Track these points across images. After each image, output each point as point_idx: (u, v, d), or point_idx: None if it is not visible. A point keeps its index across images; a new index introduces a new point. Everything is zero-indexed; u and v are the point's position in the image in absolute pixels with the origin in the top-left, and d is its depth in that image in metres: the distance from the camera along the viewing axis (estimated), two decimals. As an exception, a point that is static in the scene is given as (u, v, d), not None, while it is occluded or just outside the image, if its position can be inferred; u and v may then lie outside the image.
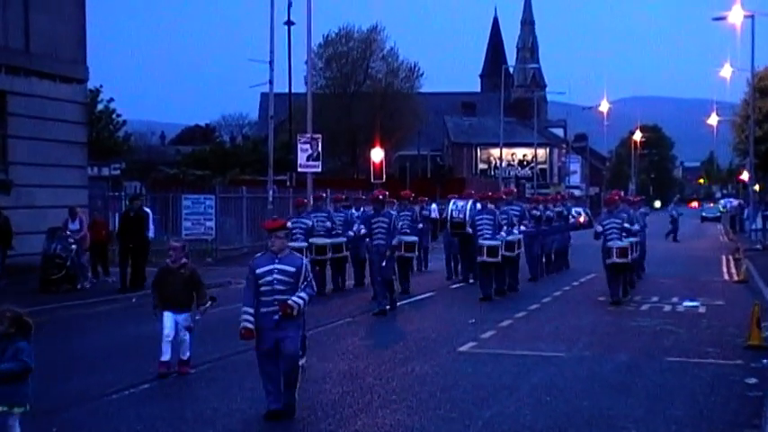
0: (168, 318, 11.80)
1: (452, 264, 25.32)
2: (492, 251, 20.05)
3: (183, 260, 11.96)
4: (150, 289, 12.61)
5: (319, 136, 34.79)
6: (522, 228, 22.23)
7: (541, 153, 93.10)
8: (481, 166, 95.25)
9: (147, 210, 23.76)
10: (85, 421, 9.82)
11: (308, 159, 33.83)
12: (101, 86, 51.80)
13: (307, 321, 16.04)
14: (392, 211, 19.02)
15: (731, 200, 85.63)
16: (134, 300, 17.93)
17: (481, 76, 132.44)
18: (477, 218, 20.72)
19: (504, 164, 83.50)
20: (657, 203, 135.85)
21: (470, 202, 22.91)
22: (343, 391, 11.05)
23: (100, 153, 40.80)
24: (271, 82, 34.44)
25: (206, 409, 10.16)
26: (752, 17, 45.20)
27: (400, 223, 19.10)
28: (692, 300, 20.47)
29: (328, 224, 21.46)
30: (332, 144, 60.52)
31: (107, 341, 15.07)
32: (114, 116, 55.00)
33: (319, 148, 34.06)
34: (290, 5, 40.48)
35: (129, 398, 10.77)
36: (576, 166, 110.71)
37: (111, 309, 19.23)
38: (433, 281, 24.02)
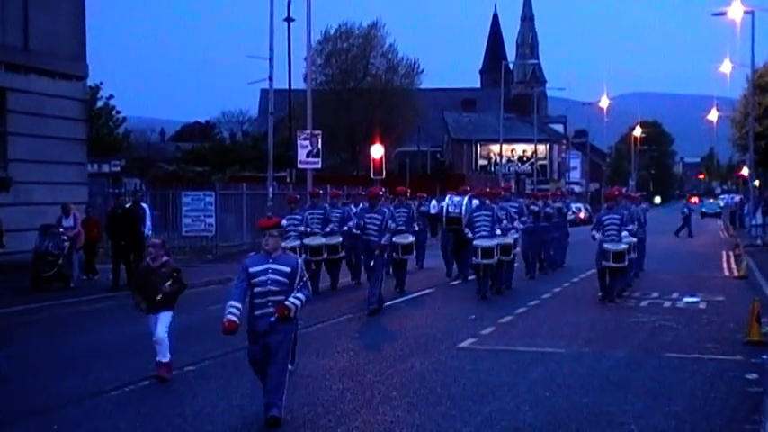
0: (151, 319, 11.44)
1: (451, 260, 25.06)
2: (487, 253, 19.67)
3: (164, 258, 11.53)
4: (131, 290, 12.03)
5: (319, 132, 34.81)
6: (520, 225, 22.03)
7: (541, 149, 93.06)
8: (481, 162, 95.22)
9: (144, 206, 23.61)
10: (85, 419, 9.81)
11: (307, 156, 33.85)
12: (100, 83, 51.90)
13: (305, 318, 16.14)
14: (386, 209, 18.62)
15: (732, 196, 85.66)
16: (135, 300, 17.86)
17: (481, 72, 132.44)
18: (474, 215, 20.34)
19: (504, 160, 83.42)
20: (658, 199, 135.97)
21: (466, 197, 22.85)
22: (344, 388, 11.05)
23: (99, 150, 40.79)
24: (270, 78, 34.45)
25: (205, 406, 10.16)
26: (752, 13, 45.19)
27: (392, 224, 18.47)
28: (691, 295, 20.45)
29: (319, 220, 20.87)
30: (332, 140, 60.55)
31: (102, 339, 14.97)
32: (114, 113, 55.02)
33: (319, 145, 34.08)
34: (289, 2, 40.45)
35: (129, 395, 10.76)
36: (576, 162, 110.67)
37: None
38: (431, 278, 23.97)
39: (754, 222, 45.87)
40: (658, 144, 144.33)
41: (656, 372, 12.21)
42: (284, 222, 20.38)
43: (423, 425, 9.47)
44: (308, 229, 20.69)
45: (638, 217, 22.07)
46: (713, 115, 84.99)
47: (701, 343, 14.41)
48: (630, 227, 19.62)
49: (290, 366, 9.61)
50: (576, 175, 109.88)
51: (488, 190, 22.49)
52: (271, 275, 9.15)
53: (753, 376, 11.88)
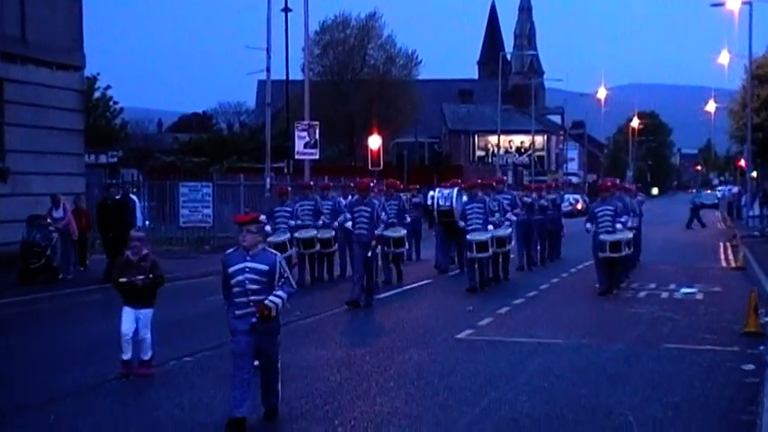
0: (128, 314, 11.10)
1: (443, 253, 24.51)
2: (481, 246, 19.36)
3: (144, 252, 11.22)
4: (112, 284, 11.50)
5: (317, 123, 34.79)
6: (513, 217, 21.73)
7: (539, 140, 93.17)
8: (479, 153, 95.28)
9: (134, 197, 23.47)
10: (82, 411, 9.79)
11: (305, 147, 33.85)
12: (98, 74, 51.79)
13: (303, 310, 16.16)
14: (376, 201, 18.26)
15: (729, 187, 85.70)
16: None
17: (479, 63, 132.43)
18: (467, 207, 19.99)
19: (501, 151, 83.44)
20: (655, 190, 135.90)
21: (456, 189, 22.74)
22: (341, 379, 11.06)
23: (97, 141, 40.77)
24: (268, 69, 34.39)
25: (203, 397, 10.16)
26: (750, 4, 45.23)
27: (384, 215, 18.23)
28: (689, 287, 20.47)
29: (309, 213, 20.68)
30: (329, 131, 60.45)
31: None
32: (111, 104, 54.95)
33: (317, 136, 34.07)
34: (286, -8, 40.31)
35: (128, 387, 10.75)
36: (573, 153, 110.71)
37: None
38: (428, 269, 23.88)
39: (751, 213, 45.93)
40: (656, 135, 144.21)
41: (653, 363, 12.23)
42: (263, 217, 20.23)
43: (420, 416, 9.47)
44: (299, 222, 20.39)
45: (632, 208, 21.73)
46: (711, 106, 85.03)
47: (698, 334, 14.43)
48: (624, 218, 19.36)
49: (257, 362, 9.09)
50: (573, 166, 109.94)
51: (480, 181, 22.04)
52: (248, 275, 8.75)
53: (750, 367, 11.89)
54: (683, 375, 11.49)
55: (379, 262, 19.56)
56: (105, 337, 12.66)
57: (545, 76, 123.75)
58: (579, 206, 58.42)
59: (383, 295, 19.05)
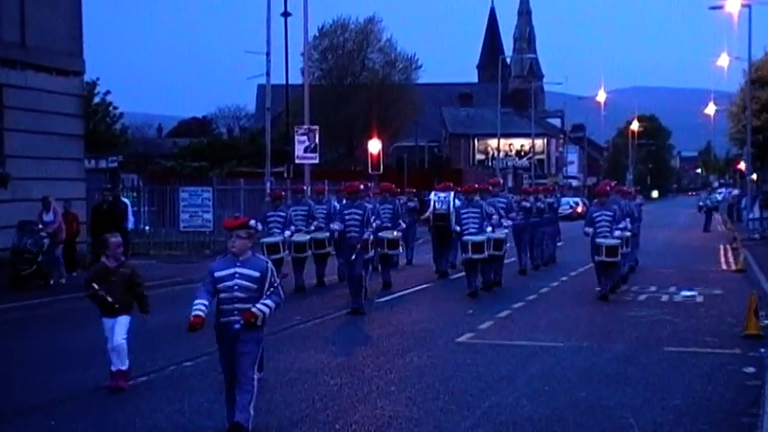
0: (106, 325, 10.69)
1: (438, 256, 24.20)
2: (477, 247, 19.11)
3: (122, 258, 10.81)
4: (85, 291, 10.92)
5: (316, 127, 34.85)
6: (508, 221, 21.47)
7: (539, 143, 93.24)
8: (479, 156, 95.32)
9: (126, 201, 23.39)
10: (82, 415, 9.79)
11: (305, 151, 33.91)
12: (97, 79, 51.75)
13: (303, 314, 16.17)
14: (367, 204, 18.08)
15: (729, 189, 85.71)
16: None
17: (478, 66, 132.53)
18: (462, 212, 19.72)
19: (501, 154, 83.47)
20: (655, 193, 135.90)
21: (452, 194, 22.70)
22: (342, 383, 11.05)
23: (97, 146, 40.73)
24: (268, 73, 34.49)
25: (204, 402, 10.15)
26: (749, 6, 45.19)
27: (377, 221, 18.12)
28: (689, 289, 20.47)
29: (303, 217, 20.42)
30: (329, 136, 60.47)
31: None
32: (111, 109, 54.90)
33: (317, 140, 34.14)
34: (286, -4, 40.35)
35: (127, 391, 10.72)
36: (573, 156, 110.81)
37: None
38: (428, 273, 23.77)
39: (751, 216, 45.91)
40: (656, 138, 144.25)
41: (654, 366, 12.22)
42: (252, 222, 20.07)
43: (421, 419, 9.47)
44: (292, 228, 19.99)
45: (630, 212, 21.53)
46: (710, 109, 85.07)
47: (699, 337, 14.42)
48: (622, 225, 19.17)
49: (257, 374, 8.72)
50: (573, 169, 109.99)
51: (476, 186, 21.59)
52: (237, 281, 8.43)
53: (751, 370, 11.89)
54: (683, 378, 11.48)
55: (371, 267, 19.33)
56: (102, 341, 12.63)
57: (545, 80, 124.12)
58: (579, 209, 58.46)
59: (383, 299, 19.05)
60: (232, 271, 8.45)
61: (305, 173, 34.49)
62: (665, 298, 19.43)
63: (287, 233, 19.76)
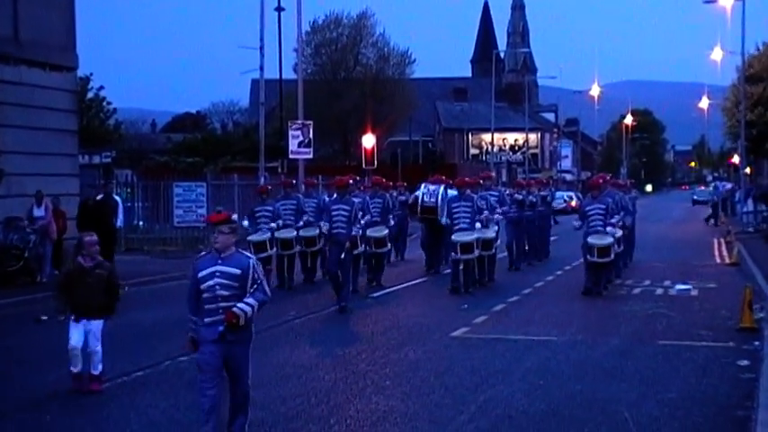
0: (75, 326, 10.34)
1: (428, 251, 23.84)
2: (466, 248, 18.87)
3: (99, 258, 10.51)
4: (55, 291, 10.69)
5: (310, 122, 34.75)
6: (500, 216, 21.18)
7: (533, 138, 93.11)
8: (473, 151, 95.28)
9: (117, 197, 23.20)
10: (77, 410, 9.78)
11: (299, 146, 33.81)
12: (91, 74, 51.66)
13: (297, 309, 16.16)
14: (355, 199, 17.76)
15: (723, 183, 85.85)
16: (125, 288, 17.61)
17: (472, 61, 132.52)
18: (453, 206, 19.50)
19: (495, 149, 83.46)
20: (649, 187, 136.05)
21: (442, 186, 22.49)
22: (336, 378, 11.05)
23: (90, 141, 40.63)
24: (261, 68, 34.33)
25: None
26: (743, 0, 45.21)
27: (367, 216, 17.88)
28: (684, 283, 20.50)
29: (291, 212, 20.14)
30: (323, 130, 60.36)
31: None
32: (105, 104, 54.81)
33: (310, 135, 34.05)
34: (279, -9, 40.28)
35: (122, 386, 10.73)
36: (567, 150, 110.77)
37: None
38: (420, 268, 23.49)
39: (745, 209, 45.99)
40: (650, 132, 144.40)
41: (649, 359, 12.24)
42: (256, 215, 19.65)
43: (416, 414, 9.47)
44: (280, 222, 19.71)
45: (624, 205, 21.16)
46: (704, 103, 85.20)
47: (693, 330, 14.45)
48: (616, 218, 18.92)
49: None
50: (567, 163, 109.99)
51: (467, 179, 21.24)
52: (218, 279, 7.99)
53: (745, 363, 11.92)
54: (678, 371, 11.51)
55: (361, 263, 19.22)
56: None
57: (538, 74, 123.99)
58: (573, 203, 58.49)
59: (377, 294, 19.05)
60: (212, 269, 8.04)
61: (299, 168, 34.43)
62: (659, 292, 19.45)
63: (273, 225, 19.48)
